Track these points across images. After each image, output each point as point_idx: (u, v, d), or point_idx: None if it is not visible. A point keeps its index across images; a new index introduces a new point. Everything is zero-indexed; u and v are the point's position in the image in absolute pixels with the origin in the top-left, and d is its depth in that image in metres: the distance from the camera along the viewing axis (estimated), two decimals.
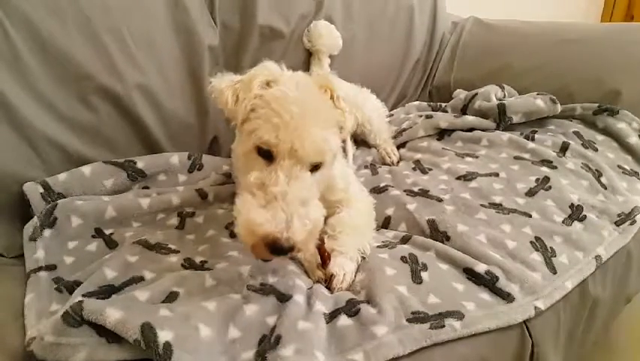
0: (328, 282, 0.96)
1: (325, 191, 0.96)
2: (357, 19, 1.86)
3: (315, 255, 1.01)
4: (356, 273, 1.00)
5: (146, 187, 1.27)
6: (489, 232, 1.09)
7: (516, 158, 1.42)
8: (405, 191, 1.28)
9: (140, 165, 1.26)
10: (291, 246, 0.78)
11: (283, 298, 0.88)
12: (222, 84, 0.94)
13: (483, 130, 1.60)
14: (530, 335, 0.94)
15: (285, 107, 0.84)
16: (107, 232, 1.10)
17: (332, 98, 0.93)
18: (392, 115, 1.88)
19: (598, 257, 1.09)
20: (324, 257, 0.99)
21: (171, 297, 0.86)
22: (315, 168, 0.89)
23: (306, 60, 1.75)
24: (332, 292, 0.94)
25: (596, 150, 1.48)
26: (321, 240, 0.99)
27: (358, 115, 0.99)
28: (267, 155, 0.87)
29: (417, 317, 0.85)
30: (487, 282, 0.96)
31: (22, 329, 0.82)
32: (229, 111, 0.93)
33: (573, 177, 1.32)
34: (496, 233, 1.10)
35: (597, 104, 1.62)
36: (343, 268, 0.97)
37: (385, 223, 1.20)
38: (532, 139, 1.51)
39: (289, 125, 0.83)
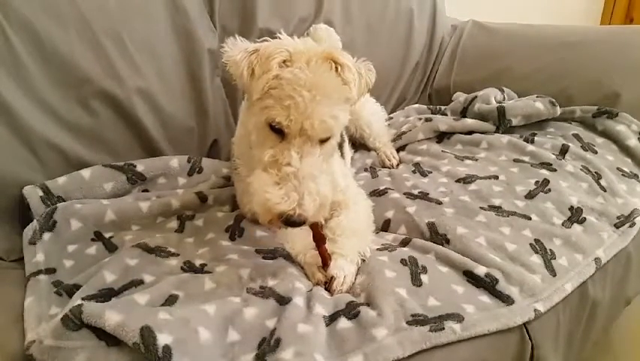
0: (328, 284, 0.96)
1: None
2: (356, 23, 1.87)
3: (315, 257, 1.02)
4: (356, 275, 1.00)
5: (146, 190, 1.27)
6: (488, 235, 1.09)
7: (515, 160, 1.42)
8: (404, 194, 1.28)
9: (139, 168, 1.27)
10: (303, 221, 0.84)
11: (283, 300, 0.88)
12: (237, 55, 0.92)
13: (482, 133, 1.60)
14: (530, 337, 0.94)
15: (297, 90, 0.86)
16: (107, 235, 1.10)
17: (337, 70, 0.93)
18: (392, 118, 1.88)
19: (597, 259, 1.09)
20: (325, 258, 0.99)
21: (171, 300, 0.86)
22: (323, 140, 0.92)
23: None
24: (332, 295, 0.94)
25: (595, 152, 1.48)
26: (324, 241, 0.99)
27: (369, 78, 1.00)
28: (278, 130, 0.89)
29: (416, 320, 0.85)
30: (486, 284, 0.96)
31: (22, 332, 0.82)
32: (244, 84, 0.93)
33: (572, 180, 1.32)
34: (496, 236, 1.10)
35: (596, 107, 1.63)
36: (343, 270, 0.98)
37: (385, 226, 1.20)
38: (532, 142, 1.51)
39: (299, 107, 0.86)
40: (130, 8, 1.31)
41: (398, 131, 1.72)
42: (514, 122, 1.60)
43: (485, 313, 0.90)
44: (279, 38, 0.97)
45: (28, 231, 1.06)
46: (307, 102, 0.86)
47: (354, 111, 1.06)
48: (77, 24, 1.21)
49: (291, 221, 0.84)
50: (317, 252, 1.03)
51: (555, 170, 1.35)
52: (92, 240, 1.08)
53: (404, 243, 1.11)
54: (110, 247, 1.07)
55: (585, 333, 1.13)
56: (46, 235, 1.05)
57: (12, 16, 1.11)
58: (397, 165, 1.56)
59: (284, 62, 0.89)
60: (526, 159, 1.42)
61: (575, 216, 1.19)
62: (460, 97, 1.81)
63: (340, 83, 0.93)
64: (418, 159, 1.53)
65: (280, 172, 0.86)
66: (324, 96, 0.88)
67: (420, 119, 1.75)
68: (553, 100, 1.61)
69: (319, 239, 0.99)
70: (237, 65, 0.91)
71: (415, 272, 0.98)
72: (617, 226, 1.19)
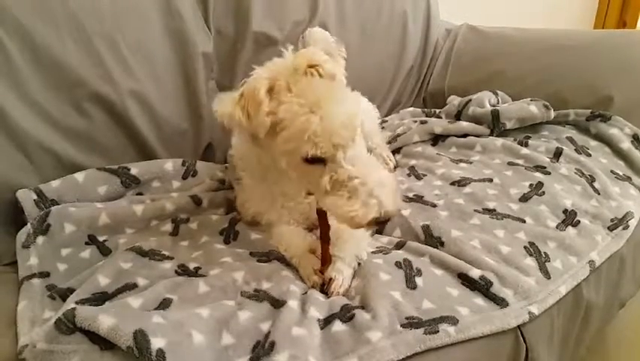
0: (327, 286, 0.96)
1: None
2: (351, 26, 1.87)
3: (310, 259, 1.01)
4: (352, 279, 1.00)
5: (140, 194, 1.26)
6: (483, 238, 1.09)
7: (510, 163, 1.42)
8: None
9: (133, 171, 1.26)
10: (388, 217, 0.87)
11: (277, 304, 0.88)
12: (227, 107, 0.92)
13: (477, 136, 1.60)
14: (524, 340, 0.95)
15: (310, 119, 0.86)
16: (101, 238, 1.10)
17: (320, 74, 0.93)
18: (386, 121, 1.88)
19: (591, 262, 1.10)
20: (326, 258, 0.99)
21: (164, 304, 0.86)
22: None
23: None
24: (329, 297, 0.94)
25: (589, 155, 1.48)
26: (329, 242, 0.99)
27: (340, 50, 1.02)
28: (316, 160, 0.89)
29: (411, 323, 0.85)
30: (481, 287, 0.96)
31: (15, 336, 0.82)
32: (247, 129, 0.93)
33: (566, 183, 1.32)
34: (490, 238, 1.10)
35: (590, 110, 1.63)
36: (342, 273, 0.98)
37: (380, 229, 1.20)
38: (526, 145, 1.51)
39: (317, 132, 0.86)
40: (123, 10, 1.31)
41: (393, 133, 1.72)
42: (509, 125, 1.60)
43: (479, 316, 0.90)
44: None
45: (22, 234, 1.05)
46: (325, 121, 0.86)
47: None
48: (70, 26, 1.20)
49: (379, 222, 0.88)
50: (312, 255, 1.03)
51: (549, 173, 1.35)
52: (86, 243, 1.08)
53: (399, 246, 1.11)
54: (104, 251, 1.07)
55: (579, 336, 1.13)
56: (40, 239, 1.05)
57: (5, 19, 1.11)
58: (394, 168, 1.56)
59: (271, 89, 0.89)
60: (521, 162, 1.43)
61: (569, 218, 1.19)
62: (455, 100, 1.81)
63: (330, 79, 0.93)
64: (413, 162, 1.53)
65: (347, 187, 0.87)
66: (330, 104, 0.88)
67: (415, 122, 1.75)
68: (547, 103, 1.61)
69: (325, 239, 0.99)
70: (232, 116, 0.91)
71: (410, 275, 0.98)
72: (610, 229, 1.19)
